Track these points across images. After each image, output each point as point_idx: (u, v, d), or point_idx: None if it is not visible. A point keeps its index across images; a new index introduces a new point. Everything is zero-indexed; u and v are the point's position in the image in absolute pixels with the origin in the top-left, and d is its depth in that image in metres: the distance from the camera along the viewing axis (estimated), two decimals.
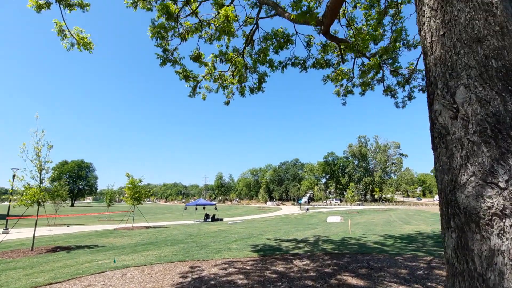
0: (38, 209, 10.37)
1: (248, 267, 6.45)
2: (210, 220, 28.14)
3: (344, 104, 10.86)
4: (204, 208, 32.68)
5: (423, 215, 33.21)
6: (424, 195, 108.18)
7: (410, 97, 9.84)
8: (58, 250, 9.66)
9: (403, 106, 10.01)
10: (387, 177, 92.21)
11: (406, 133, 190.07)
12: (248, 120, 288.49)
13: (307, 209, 49.26)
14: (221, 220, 28.93)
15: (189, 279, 5.59)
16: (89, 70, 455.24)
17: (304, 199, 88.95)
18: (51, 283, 5.70)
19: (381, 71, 9.59)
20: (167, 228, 18.02)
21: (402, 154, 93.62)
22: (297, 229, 16.76)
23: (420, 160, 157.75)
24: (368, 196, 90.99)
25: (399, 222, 23.45)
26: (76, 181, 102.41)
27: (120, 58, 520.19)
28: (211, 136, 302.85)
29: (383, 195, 71.37)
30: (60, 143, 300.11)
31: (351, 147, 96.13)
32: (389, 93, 10.00)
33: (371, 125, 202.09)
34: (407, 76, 9.46)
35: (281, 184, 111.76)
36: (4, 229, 20.26)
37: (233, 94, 10.33)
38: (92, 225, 25.22)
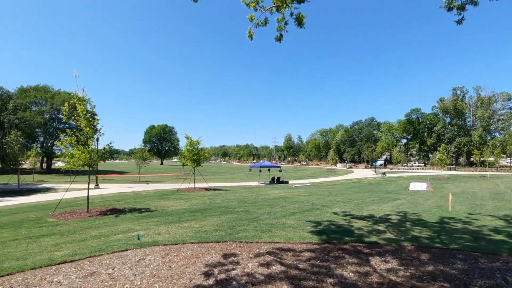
0: (92, 169, 10.34)
1: (301, 265, 4.41)
2: (275, 182, 27.14)
3: (460, 22, 6.91)
4: (269, 170, 31.83)
5: None
6: None
7: None
8: (109, 213, 9.52)
9: None
10: (489, 137, 74.98)
11: None
12: (316, 78, 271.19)
13: (384, 173, 43.98)
14: (286, 183, 27.61)
15: (211, 281, 3.89)
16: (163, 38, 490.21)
17: (380, 162, 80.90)
18: (65, 261, 4.82)
19: None
20: (227, 192, 17.44)
21: None
22: (373, 199, 13.87)
23: None
24: (462, 160, 76.70)
25: None
26: (162, 143, 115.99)
27: (187, 24, 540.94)
28: (280, 96, 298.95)
29: (484, 158, 58.50)
30: (146, 109, 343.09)
31: (442, 102, 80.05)
32: None
33: (470, 74, 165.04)
34: None
35: (353, 145, 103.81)
36: (95, 185, 23.28)
37: (286, 23, 7.54)
38: (167, 183, 27.14)
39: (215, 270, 4.29)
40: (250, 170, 30.94)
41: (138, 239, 6.00)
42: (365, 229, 7.01)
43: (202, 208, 10.60)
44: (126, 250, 5.42)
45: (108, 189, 20.74)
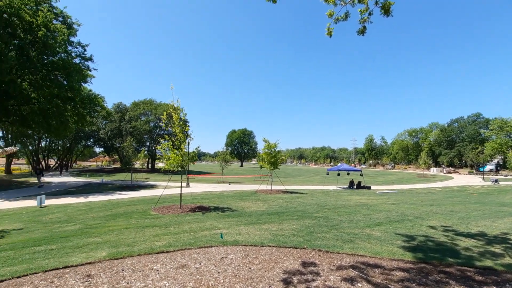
0: (183, 170, 11.69)
1: (392, 287, 3.87)
2: (355, 187, 25.28)
3: None
4: (348, 173, 29.92)
5: None
6: None
7: None
8: (197, 210, 10.54)
9: None
10: None
11: None
12: (402, 70, 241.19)
13: (496, 181, 35.57)
14: (368, 188, 25.36)
15: None
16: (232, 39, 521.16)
17: (490, 167, 65.86)
18: (162, 251, 5.53)
19: None
20: (303, 195, 17.12)
21: None
22: (482, 212, 11.33)
23: None
24: None
25: None
26: (242, 146, 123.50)
27: (258, 25, 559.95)
28: (359, 95, 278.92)
29: None
30: (228, 114, 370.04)
31: None
32: None
33: None
34: None
35: (452, 146, 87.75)
36: (186, 184, 26.34)
37: (370, 13, 6.88)
38: (246, 184, 28.57)
39: (294, 278, 4.16)
40: (327, 173, 29.71)
41: (221, 237, 6.41)
42: (475, 250, 5.71)
43: (280, 211, 10.65)
44: (211, 246, 5.84)
45: (196, 188, 23.11)
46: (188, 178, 29.13)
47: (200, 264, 4.79)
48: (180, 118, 11.01)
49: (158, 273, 4.39)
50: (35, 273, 4.56)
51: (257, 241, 6.19)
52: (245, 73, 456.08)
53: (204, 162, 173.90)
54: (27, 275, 4.48)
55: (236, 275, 4.28)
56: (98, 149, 74.65)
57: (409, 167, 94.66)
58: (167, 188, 18.11)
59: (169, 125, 10.63)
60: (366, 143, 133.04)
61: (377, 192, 21.28)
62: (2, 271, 4.62)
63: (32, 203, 14.01)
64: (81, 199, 15.91)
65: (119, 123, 53.04)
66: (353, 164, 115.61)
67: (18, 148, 44.54)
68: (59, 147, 55.96)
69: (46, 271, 4.61)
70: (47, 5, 20.91)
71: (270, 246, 5.87)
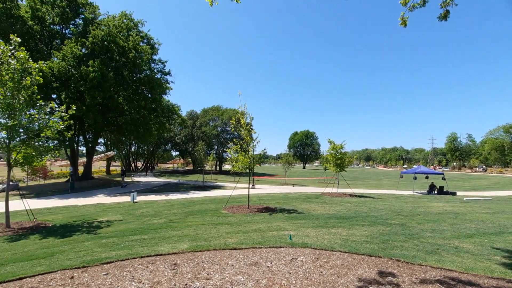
0: (250, 172, 12.21)
1: None
2: (435, 192, 22.24)
3: None
4: (426, 177, 26.50)
5: None
6: None
7: None
8: (264, 211, 10.83)
9: None
10: None
11: None
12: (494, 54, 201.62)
13: None
14: (453, 194, 21.98)
15: None
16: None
17: None
18: (235, 248, 5.90)
19: None
20: (374, 199, 15.86)
21: None
22: None
23: None
24: None
25: None
26: (305, 148, 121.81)
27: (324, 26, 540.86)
28: (438, 87, 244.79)
29: None
30: (290, 116, 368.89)
31: None
32: None
33: None
34: None
35: None
36: (252, 185, 27.33)
37: None
38: (310, 186, 28.06)
39: (370, 287, 3.95)
40: (401, 177, 26.86)
41: (290, 238, 6.48)
42: None
43: (348, 215, 10.14)
44: (280, 247, 5.96)
45: (261, 189, 23.73)
46: (253, 180, 30.15)
47: (271, 263, 4.95)
48: (247, 123, 11.54)
49: (233, 268, 4.71)
50: (134, 258, 5.41)
51: (327, 245, 6.05)
52: (308, 73, 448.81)
53: (267, 164, 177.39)
54: (128, 259, 5.35)
55: (307, 278, 4.29)
56: (174, 153, 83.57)
57: (506, 170, 78.34)
58: (235, 189, 19.12)
59: (237, 128, 11.26)
60: (448, 143, 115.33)
61: (464, 199, 18.29)
62: (109, 254, 5.62)
63: (126, 199, 16.55)
64: (163, 197, 18.05)
65: (192, 129, 58.36)
66: (432, 167, 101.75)
67: (115, 153, 53.25)
68: (145, 151, 64.58)
69: (142, 257, 5.43)
70: (136, 30, 24.64)
71: (341, 252, 5.68)
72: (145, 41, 26.12)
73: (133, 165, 61.34)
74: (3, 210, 8.83)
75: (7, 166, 8.30)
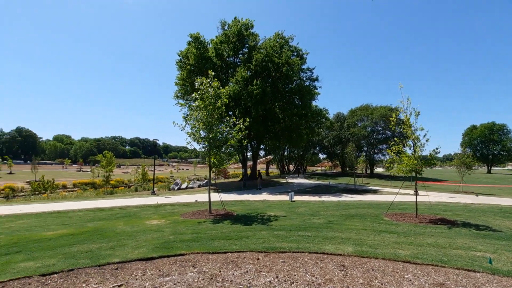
0: (416, 175, 10.50)
1: None
2: None
3: None
4: None
5: None
6: None
7: None
8: (439, 223, 8.95)
9: None
10: None
11: None
12: None
13: None
14: None
15: None
16: None
17: None
18: (408, 261, 5.28)
19: None
20: None
21: None
22: None
23: None
24: None
25: None
26: (489, 146, 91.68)
27: None
28: None
29: None
30: (461, 108, 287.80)
31: None
32: None
33: None
34: None
35: None
36: (414, 191, 23.38)
37: None
38: (503, 197, 20.77)
39: None
40: None
41: (490, 262, 5.06)
42: None
43: None
44: (474, 271, 4.77)
45: (429, 196, 19.86)
46: (416, 185, 25.76)
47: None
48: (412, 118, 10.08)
49: (412, 284, 4.22)
50: (303, 252, 5.94)
51: None
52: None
53: (428, 168, 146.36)
54: (298, 252, 5.93)
55: None
56: (322, 156, 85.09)
57: None
58: (388, 194, 17.09)
59: (400, 126, 10.07)
60: None
61: None
62: (282, 245, 6.42)
63: (285, 197, 18.41)
64: (316, 198, 18.74)
65: (339, 131, 57.44)
66: None
67: (272, 157, 60.78)
68: (296, 155, 69.66)
69: (310, 252, 5.87)
70: (287, 46, 27.44)
71: None
72: (295, 53, 28.47)
73: (286, 167, 67.55)
74: (206, 200, 12.09)
75: (208, 168, 11.34)
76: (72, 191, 28.56)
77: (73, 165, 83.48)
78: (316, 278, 4.48)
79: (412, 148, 10.19)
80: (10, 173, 43.55)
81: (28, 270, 4.90)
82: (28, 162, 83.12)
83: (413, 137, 9.77)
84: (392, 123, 10.34)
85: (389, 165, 11.36)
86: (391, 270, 4.81)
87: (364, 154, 51.10)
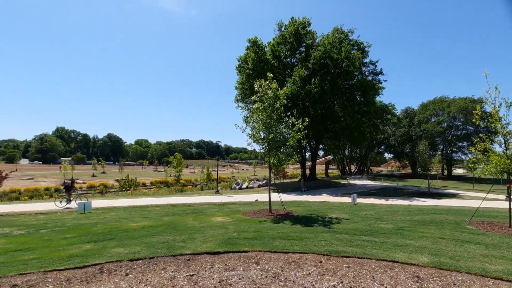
0: (508, 178, 8.85)
1: None
2: None
3: None
4: None
5: None
6: None
7: None
8: None
9: None
10: None
11: None
12: None
13: None
14: None
15: None
16: None
17: None
18: (501, 278, 4.54)
19: None
20: None
21: None
22: None
23: None
24: None
25: None
26: None
27: None
28: None
29: None
30: None
31: None
32: None
33: None
34: None
35: None
36: (506, 196, 19.69)
37: None
38: None
39: None
40: None
41: None
42: None
43: None
44: None
45: None
46: (508, 188, 21.66)
47: None
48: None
49: None
50: (369, 258, 5.61)
51: None
52: None
53: None
54: (364, 258, 5.63)
55: None
56: (387, 155, 78.16)
57: None
58: (473, 199, 14.69)
59: (486, 119, 8.69)
60: None
61: None
62: (346, 249, 6.19)
63: (347, 199, 17.56)
64: (382, 201, 17.38)
65: (408, 128, 51.99)
66: None
67: (331, 157, 58.53)
68: (357, 155, 65.62)
69: (378, 259, 5.52)
70: (346, 40, 26.15)
71: None
72: (355, 47, 26.91)
73: (347, 168, 64.14)
74: (266, 199, 12.37)
75: (268, 168, 11.58)
76: (150, 188, 32.43)
77: (150, 166, 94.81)
78: (385, 287, 4.21)
79: (503, 145, 8.70)
80: (103, 172, 51.77)
81: (119, 255, 5.80)
82: (116, 163, 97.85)
83: (504, 132, 8.32)
84: (476, 116, 9.00)
85: (472, 165, 9.90)
86: (478, 286, 4.21)
87: (439, 153, 45.15)
